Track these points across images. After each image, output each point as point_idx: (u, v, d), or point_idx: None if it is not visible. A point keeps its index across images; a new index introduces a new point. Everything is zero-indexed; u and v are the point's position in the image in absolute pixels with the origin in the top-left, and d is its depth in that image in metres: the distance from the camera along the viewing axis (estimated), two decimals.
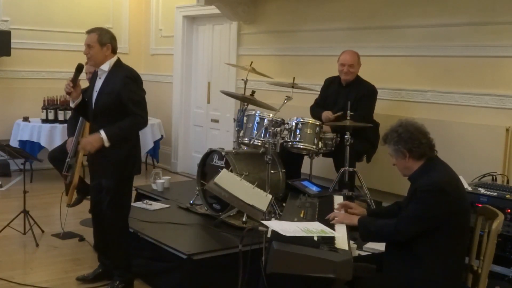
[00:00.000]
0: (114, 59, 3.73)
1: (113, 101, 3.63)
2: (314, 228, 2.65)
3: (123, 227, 3.86)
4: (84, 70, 3.88)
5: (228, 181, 3.09)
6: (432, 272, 2.72)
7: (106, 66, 3.70)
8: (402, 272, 2.77)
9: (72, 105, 3.84)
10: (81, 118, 4.80)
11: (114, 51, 3.73)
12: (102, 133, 3.60)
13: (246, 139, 4.81)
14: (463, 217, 2.79)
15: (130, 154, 3.75)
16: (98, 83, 3.74)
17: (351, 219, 3.01)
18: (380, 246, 3.38)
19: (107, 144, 3.60)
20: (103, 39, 3.67)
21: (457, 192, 2.78)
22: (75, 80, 3.72)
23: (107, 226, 3.81)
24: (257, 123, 4.74)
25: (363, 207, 3.33)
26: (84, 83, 3.89)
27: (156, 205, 4.93)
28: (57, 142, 6.69)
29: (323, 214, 3.17)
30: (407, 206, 2.82)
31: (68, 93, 3.74)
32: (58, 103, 7.19)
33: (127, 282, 3.85)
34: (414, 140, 2.85)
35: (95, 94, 3.73)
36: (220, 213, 4.45)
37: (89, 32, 3.72)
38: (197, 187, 4.81)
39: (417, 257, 2.75)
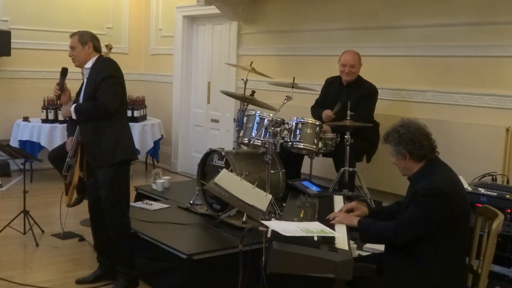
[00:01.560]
0: (96, 56, 3.83)
1: (93, 90, 3.72)
2: (314, 228, 2.64)
3: (124, 222, 3.86)
4: (81, 71, 3.94)
5: (228, 181, 3.09)
6: (432, 273, 2.71)
7: (89, 64, 3.81)
8: (402, 273, 2.76)
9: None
10: None
11: (96, 49, 3.85)
12: (73, 105, 3.80)
13: (246, 139, 4.80)
14: (464, 218, 2.78)
15: (119, 140, 3.79)
16: (85, 82, 3.86)
17: (350, 219, 2.99)
18: (380, 246, 3.37)
19: (73, 116, 3.76)
20: (84, 39, 3.81)
21: (458, 194, 2.76)
22: (61, 84, 3.93)
23: (108, 223, 3.82)
24: (257, 123, 4.73)
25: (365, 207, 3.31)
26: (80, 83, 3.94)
27: (156, 205, 4.93)
28: (57, 142, 6.70)
29: (323, 214, 3.16)
30: (407, 208, 2.80)
31: (57, 97, 3.95)
32: (58, 103, 7.19)
33: (132, 280, 3.85)
34: (415, 142, 2.80)
35: (82, 93, 3.86)
36: (220, 213, 4.45)
37: (71, 35, 3.86)
38: (197, 187, 4.81)
39: (417, 258, 2.75)
